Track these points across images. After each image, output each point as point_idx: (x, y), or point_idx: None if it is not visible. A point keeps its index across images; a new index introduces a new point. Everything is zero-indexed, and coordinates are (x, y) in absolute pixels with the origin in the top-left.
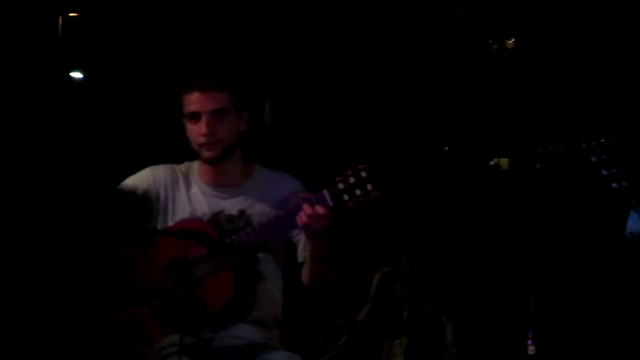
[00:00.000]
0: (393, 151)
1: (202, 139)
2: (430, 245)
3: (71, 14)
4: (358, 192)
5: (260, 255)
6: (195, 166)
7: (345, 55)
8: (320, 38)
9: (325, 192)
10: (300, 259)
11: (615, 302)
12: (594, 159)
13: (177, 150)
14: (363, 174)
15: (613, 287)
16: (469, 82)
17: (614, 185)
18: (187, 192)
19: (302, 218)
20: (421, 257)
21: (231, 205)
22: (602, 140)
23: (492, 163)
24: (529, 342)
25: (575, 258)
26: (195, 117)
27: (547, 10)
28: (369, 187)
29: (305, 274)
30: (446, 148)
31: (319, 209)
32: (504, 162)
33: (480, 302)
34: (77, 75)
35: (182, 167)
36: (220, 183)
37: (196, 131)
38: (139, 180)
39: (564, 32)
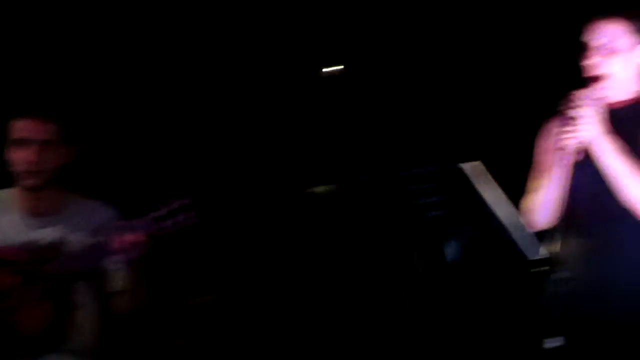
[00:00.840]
0: (215, 180)
1: (26, 166)
2: (248, 276)
3: None
4: (174, 220)
5: (75, 283)
6: (11, 194)
7: (172, 83)
8: (146, 68)
9: (142, 219)
10: (116, 287)
11: (439, 329)
12: (413, 187)
13: None
14: (180, 201)
15: (435, 313)
16: (295, 108)
17: (432, 214)
18: (2, 221)
19: (118, 245)
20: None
21: (47, 234)
22: (421, 169)
23: (312, 191)
24: None
25: (395, 286)
26: (23, 143)
27: (377, 39)
28: (186, 214)
29: (121, 302)
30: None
31: (136, 236)
32: (322, 189)
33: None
34: None
35: None
36: (37, 212)
37: (21, 157)
38: None
39: (394, 60)
